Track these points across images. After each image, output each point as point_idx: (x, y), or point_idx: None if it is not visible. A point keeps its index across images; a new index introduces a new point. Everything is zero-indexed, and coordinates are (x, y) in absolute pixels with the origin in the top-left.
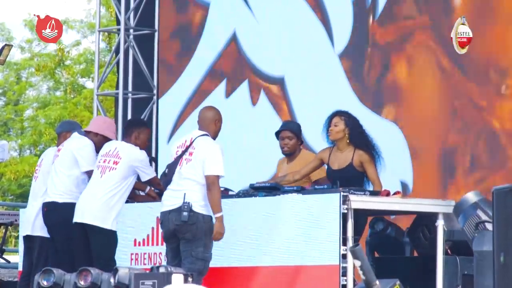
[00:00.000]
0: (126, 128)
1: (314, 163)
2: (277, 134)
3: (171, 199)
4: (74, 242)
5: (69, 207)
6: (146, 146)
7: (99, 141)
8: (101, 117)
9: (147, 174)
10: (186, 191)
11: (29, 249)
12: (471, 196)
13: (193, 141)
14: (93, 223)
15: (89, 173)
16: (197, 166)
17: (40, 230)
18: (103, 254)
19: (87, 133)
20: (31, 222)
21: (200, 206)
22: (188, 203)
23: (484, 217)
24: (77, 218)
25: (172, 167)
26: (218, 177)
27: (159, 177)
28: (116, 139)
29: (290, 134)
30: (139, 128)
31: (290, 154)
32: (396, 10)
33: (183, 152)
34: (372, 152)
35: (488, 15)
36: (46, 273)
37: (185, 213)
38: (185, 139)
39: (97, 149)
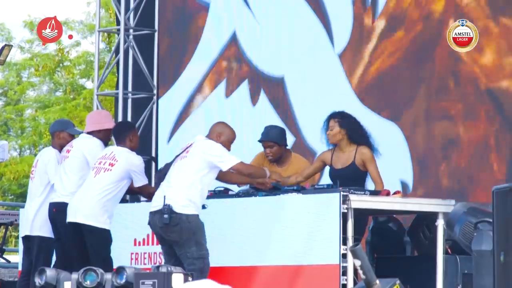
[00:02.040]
0: (118, 134)
1: (316, 164)
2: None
3: (157, 199)
4: (70, 242)
5: None
6: (137, 146)
7: (105, 135)
8: (96, 112)
9: (141, 180)
10: (168, 191)
11: (28, 249)
12: (458, 207)
13: (194, 142)
14: (87, 222)
15: None
16: (188, 161)
17: (39, 230)
18: (100, 253)
19: (90, 133)
20: (29, 222)
21: (182, 206)
22: (168, 205)
23: (475, 220)
24: (71, 217)
25: (168, 164)
26: (240, 163)
27: (155, 174)
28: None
29: (270, 143)
30: (130, 131)
31: (276, 160)
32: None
33: (181, 153)
34: (371, 143)
35: None
36: (40, 273)
37: (165, 216)
38: (189, 142)
39: (105, 144)
